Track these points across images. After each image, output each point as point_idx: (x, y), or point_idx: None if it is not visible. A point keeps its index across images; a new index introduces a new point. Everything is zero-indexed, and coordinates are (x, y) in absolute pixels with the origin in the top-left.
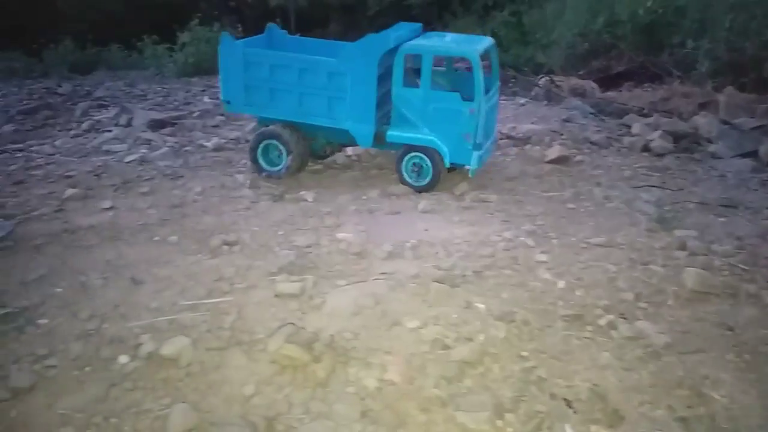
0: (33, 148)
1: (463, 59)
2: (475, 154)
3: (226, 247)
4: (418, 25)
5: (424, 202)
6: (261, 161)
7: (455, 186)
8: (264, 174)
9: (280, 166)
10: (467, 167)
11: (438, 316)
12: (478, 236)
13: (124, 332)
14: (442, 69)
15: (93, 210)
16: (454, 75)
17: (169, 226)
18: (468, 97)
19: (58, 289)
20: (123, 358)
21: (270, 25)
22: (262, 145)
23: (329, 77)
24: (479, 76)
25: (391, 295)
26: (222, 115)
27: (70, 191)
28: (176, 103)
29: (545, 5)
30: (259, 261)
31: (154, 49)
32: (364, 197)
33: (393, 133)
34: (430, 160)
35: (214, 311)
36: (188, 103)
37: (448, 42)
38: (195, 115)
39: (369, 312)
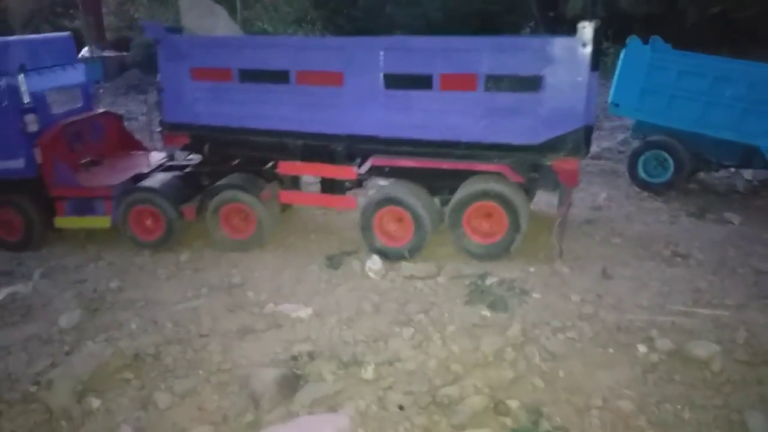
0: None
1: None
2: None
3: (679, 259)
4: None
5: None
6: (640, 171)
7: None
8: (640, 183)
9: (662, 179)
10: None
11: None
12: None
13: (625, 323)
14: None
15: None
16: None
17: (597, 225)
18: None
19: (531, 269)
20: (641, 348)
21: (653, 37)
22: (645, 155)
23: (750, 87)
24: None
25: None
26: None
27: None
28: None
29: None
30: (728, 280)
31: None
32: None
33: None
34: None
35: (715, 323)
36: None
37: None
38: None
39: None
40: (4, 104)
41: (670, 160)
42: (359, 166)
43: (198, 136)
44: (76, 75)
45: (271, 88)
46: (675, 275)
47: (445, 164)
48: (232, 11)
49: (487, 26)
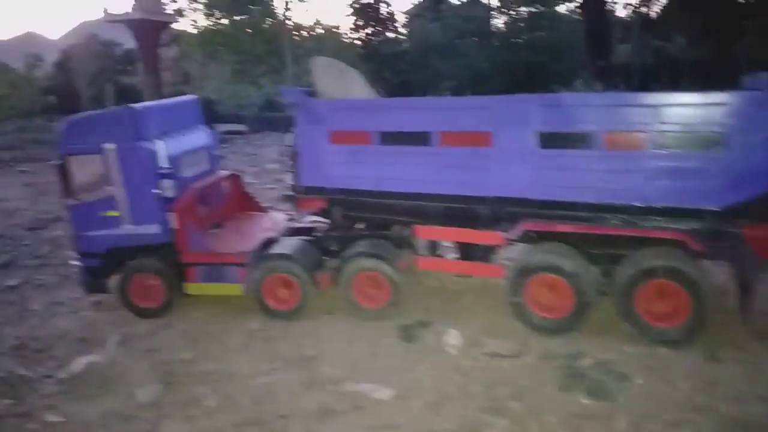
0: None
1: None
2: None
3: None
4: None
5: None
6: None
7: None
8: None
9: None
10: None
11: None
12: None
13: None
14: None
15: None
16: None
17: None
18: None
19: (628, 349)
20: None
21: None
22: None
23: None
24: None
25: None
26: None
27: None
28: None
29: None
30: None
31: None
32: None
33: None
34: None
35: None
36: None
37: None
38: None
39: None
40: (142, 169)
41: None
42: (505, 230)
43: (332, 200)
44: (203, 137)
45: (412, 150)
46: None
47: (612, 230)
48: (281, 66)
49: (534, 76)
